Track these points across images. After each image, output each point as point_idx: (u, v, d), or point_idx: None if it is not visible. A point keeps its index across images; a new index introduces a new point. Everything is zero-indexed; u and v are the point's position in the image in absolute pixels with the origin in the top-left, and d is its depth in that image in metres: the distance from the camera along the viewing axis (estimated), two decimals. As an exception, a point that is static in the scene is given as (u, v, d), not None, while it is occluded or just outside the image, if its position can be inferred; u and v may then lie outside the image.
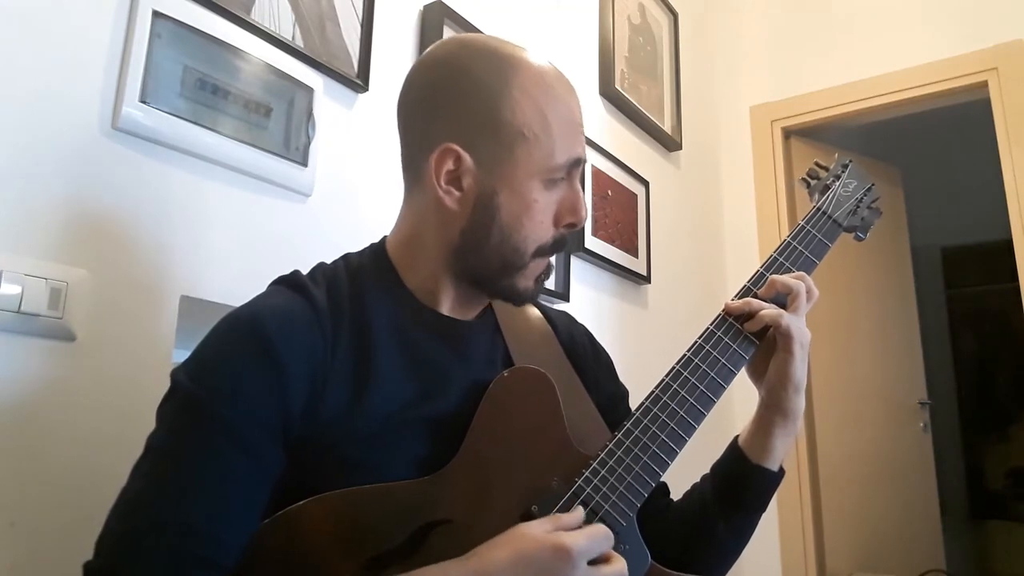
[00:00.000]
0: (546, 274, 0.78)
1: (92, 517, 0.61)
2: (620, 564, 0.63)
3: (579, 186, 0.77)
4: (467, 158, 0.72)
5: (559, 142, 0.73)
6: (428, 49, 0.80)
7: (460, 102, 0.73)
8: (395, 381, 0.70)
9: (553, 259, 0.79)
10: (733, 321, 0.80)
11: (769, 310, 0.78)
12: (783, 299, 0.81)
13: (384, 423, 0.67)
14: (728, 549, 0.82)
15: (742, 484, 0.80)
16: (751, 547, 0.85)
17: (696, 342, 0.79)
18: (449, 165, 0.73)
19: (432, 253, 0.76)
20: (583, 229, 1.79)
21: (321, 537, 0.61)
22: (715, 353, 0.78)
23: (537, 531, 0.61)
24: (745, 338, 0.80)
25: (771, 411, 0.80)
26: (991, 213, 2.72)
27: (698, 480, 0.86)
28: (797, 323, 0.78)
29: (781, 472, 0.81)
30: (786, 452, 0.81)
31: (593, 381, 0.87)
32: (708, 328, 0.80)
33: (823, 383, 2.53)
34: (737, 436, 0.84)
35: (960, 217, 4.04)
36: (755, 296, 0.82)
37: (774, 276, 0.82)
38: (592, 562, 0.62)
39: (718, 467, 0.84)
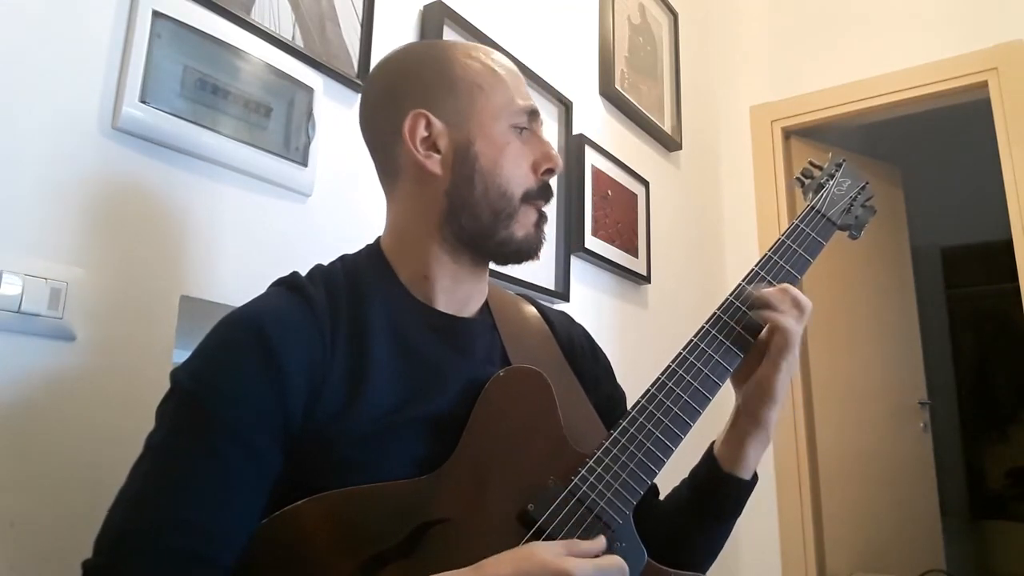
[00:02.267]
0: (542, 220, 0.80)
1: (92, 517, 0.61)
2: None
3: (546, 138, 0.80)
4: (436, 121, 0.76)
5: (513, 91, 0.78)
6: (374, 66, 0.84)
7: (415, 78, 0.78)
8: (393, 380, 0.70)
9: (546, 209, 0.81)
10: (727, 319, 0.80)
11: (777, 312, 0.78)
12: None
13: (382, 422, 0.67)
14: (703, 552, 0.83)
15: (716, 493, 0.81)
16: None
17: (691, 340, 0.80)
18: (422, 131, 0.76)
19: (423, 233, 0.77)
20: (583, 229, 1.79)
21: (319, 536, 0.61)
22: (710, 351, 0.79)
23: (547, 554, 0.60)
24: (739, 335, 0.80)
25: (746, 421, 0.80)
26: (991, 213, 2.72)
27: (679, 483, 0.86)
28: (796, 330, 0.77)
29: (754, 479, 0.82)
30: (759, 460, 0.81)
31: (592, 381, 0.87)
32: (703, 327, 0.81)
33: (823, 383, 2.53)
34: (713, 442, 0.84)
35: (960, 217, 4.04)
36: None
37: (758, 293, 0.80)
38: None
39: (694, 474, 0.85)
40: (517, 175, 0.76)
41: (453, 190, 0.75)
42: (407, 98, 0.77)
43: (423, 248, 0.77)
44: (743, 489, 0.81)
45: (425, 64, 0.79)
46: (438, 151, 0.76)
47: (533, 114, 0.79)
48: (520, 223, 0.77)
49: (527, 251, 0.79)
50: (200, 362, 0.66)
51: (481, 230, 0.76)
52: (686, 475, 0.86)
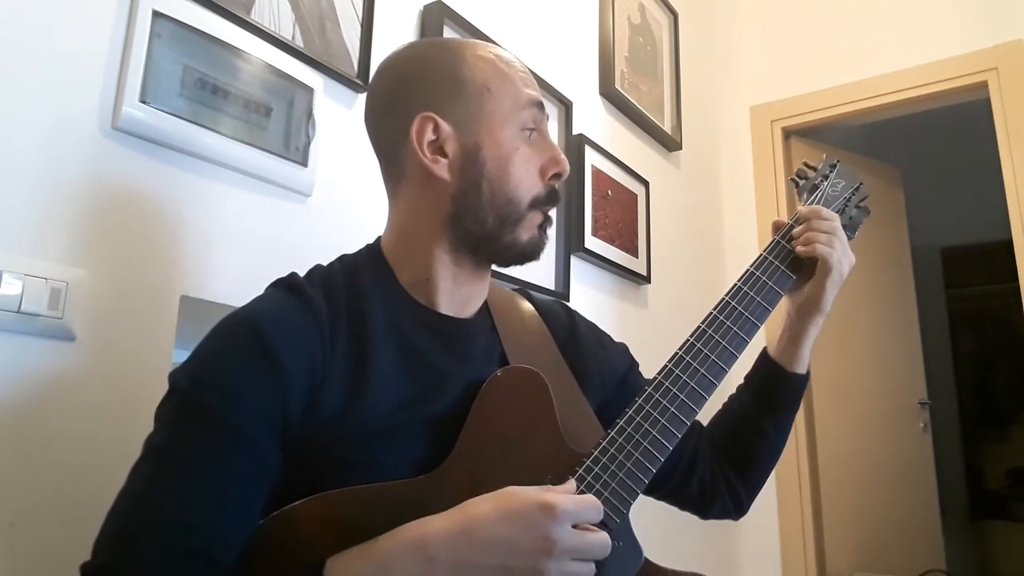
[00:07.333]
0: (547, 223, 0.80)
1: (92, 516, 0.61)
2: (604, 535, 0.62)
3: (552, 139, 0.80)
4: (444, 124, 0.75)
5: (519, 88, 0.77)
6: (380, 62, 0.82)
7: (423, 79, 0.77)
8: (393, 381, 0.70)
9: (553, 212, 0.81)
10: (723, 319, 0.82)
11: (819, 241, 0.86)
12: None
13: (383, 423, 0.67)
14: (776, 444, 0.92)
15: (783, 389, 0.90)
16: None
17: (688, 340, 0.81)
18: (429, 135, 0.75)
19: (426, 236, 0.77)
20: (583, 229, 1.79)
21: (317, 536, 0.61)
22: (706, 351, 0.79)
23: (527, 490, 0.62)
24: (736, 335, 0.81)
25: (801, 323, 0.89)
26: (991, 213, 2.72)
27: (732, 396, 0.95)
28: (838, 255, 0.86)
29: (808, 373, 0.91)
30: (809, 354, 0.91)
31: (607, 365, 0.89)
32: (699, 327, 0.82)
33: (823, 383, 2.53)
34: (765, 349, 0.92)
35: (960, 217, 4.04)
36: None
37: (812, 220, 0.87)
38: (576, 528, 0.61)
39: (751, 380, 0.93)
40: (525, 181, 0.76)
41: (459, 195, 0.75)
42: (415, 100, 0.76)
43: (425, 250, 0.77)
44: (802, 383, 0.91)
45: (433, 65, 0.77)
46: (445, 155, 0.75)
47: (539, 107, 0.78)
48: (525, 228, 0.77)
49: (530, 254, 0.79)
50: (199, 363, 0.66)
51: (486, 234, 0.76)
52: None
